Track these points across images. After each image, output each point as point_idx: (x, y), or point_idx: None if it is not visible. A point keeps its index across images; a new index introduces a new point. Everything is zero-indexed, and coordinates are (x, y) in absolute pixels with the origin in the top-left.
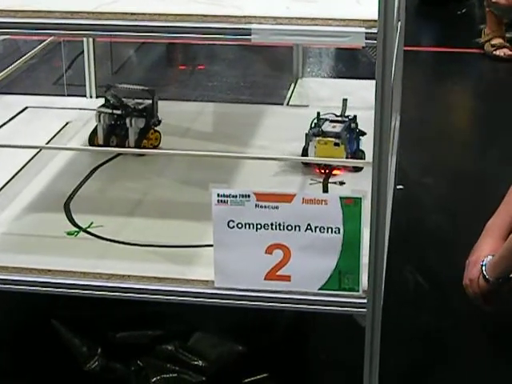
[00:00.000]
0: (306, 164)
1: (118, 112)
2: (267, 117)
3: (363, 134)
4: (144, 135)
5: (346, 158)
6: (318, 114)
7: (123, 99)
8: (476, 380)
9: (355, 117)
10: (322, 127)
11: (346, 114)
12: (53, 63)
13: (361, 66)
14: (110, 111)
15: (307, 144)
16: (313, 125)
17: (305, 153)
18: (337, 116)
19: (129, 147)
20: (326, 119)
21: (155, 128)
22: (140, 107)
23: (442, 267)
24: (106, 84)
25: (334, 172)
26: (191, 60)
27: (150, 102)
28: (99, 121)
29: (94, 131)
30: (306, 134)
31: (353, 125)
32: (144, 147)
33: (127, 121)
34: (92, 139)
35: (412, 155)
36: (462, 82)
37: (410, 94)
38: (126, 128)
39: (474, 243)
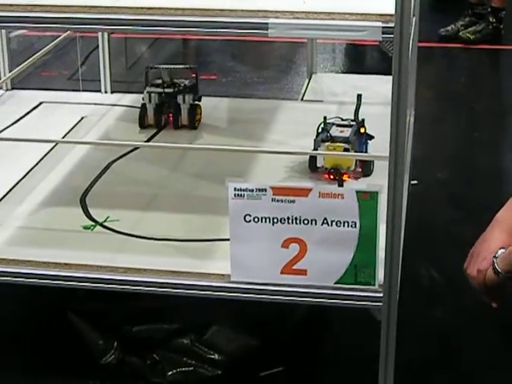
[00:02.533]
0: (314, 170)
1: (170, 90)
2: (282, 112)
3: (371, 137)
4: (195, 110)
5: (355, 163)
6: (325, 118)
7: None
8: (489, 375)
9: (363, 120)
10: (330, 132)
11: (361, 109)
12: (67, 59)
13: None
14: (161, 90)
15: (315, 149)
16: (319, 130)
17: (312, 158)
18: (343, 120)
19: (182, 123)
20: (333, 123)
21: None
22: (188, 84)
23: (457, 262)
24: (146, 65)
25: (344, 178)
26: (205, 56)
27: (189, 79)
28: (149, 101)
29: (143, 113)
30: (315, 140)
31: (362, 129)
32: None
33: (179, 98)
34: (142, 120)
35: (426, 151)
36: (476, 78)
37: (424, 89)
38: (174, 105)
39: None
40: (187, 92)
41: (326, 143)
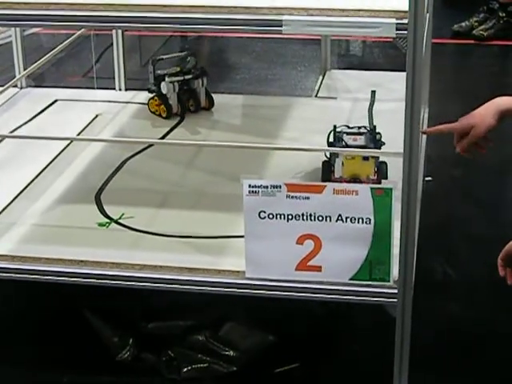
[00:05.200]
0: (326, 180)
1: (190, 76)
2: (296, 109)
3: (382, 144)
4: (209, 93)
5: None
6: (335, 127)
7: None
8: (506, 370)
9: (375, 127)
10: (346, 141)
11: (374, 106)
12: (81, 56)
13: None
14: (181, 78)
15: (333, 160)
16: (331, 139)
17: (326, 166)
18: (349, 128)
19: (201, 106)
20: (343, 132)
21: None
22: (201, 68)
23: (471, 258)
24: (153, 58)
25: None
26: (219, 53)
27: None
28: (173, 90)
29: (167, 103)
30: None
31: (377, 136)
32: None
33: (195, 82)
34: (169, 111)
35: (441, 147)
36: (489, 74)
37: (438, 86)
38: (193, 91)
39: (501, 234)
40: (203, 76)
41: (345, 153)
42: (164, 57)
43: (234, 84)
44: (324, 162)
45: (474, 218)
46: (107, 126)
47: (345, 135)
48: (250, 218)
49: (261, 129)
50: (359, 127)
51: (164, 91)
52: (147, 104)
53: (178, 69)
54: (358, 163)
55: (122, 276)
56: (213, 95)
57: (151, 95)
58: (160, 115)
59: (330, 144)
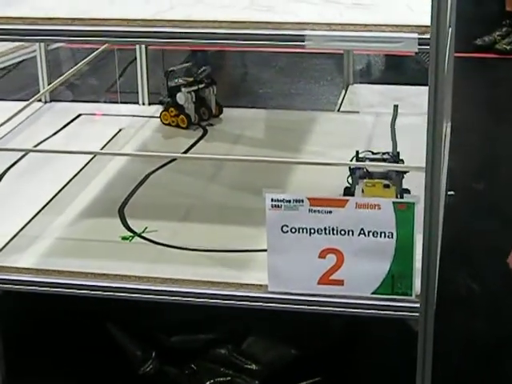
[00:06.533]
0: None
1: (202, 85)
2: (319, 123)
3: (405, 171)
4: (218, 101)
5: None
6: (357, 152)
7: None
8: None
9: (398, 154)
10: (367, 167)
11: (397, 120)
12: (105, 71)
13: None
14: (196, 87)
15: (353, 187)
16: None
17: (347, 192)
18: (374, 154)
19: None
20: (366, 158)
21: None
22: (210, 76)
23: (494, 273)
24: (165, 70)
25: None
26: (241, 67)
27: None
28: (192, 100)
29: (186, 113)
30: (352, 177)
31: (400, 163)
32: None
33: (206, 91)
34: (190, 121)
35: (463, 161)
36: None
37: (460, 100)
38: (204, 99)
39: None
40: (213, 84)
41: (365, 180)
42: (175, 68)
43: (257, 98)
44: (346, 189)
45: (497, 231)
46: (130, 140)
47: (368, 161)
48: (273, 232)
49: (283, 143)
50: (383, 153)
51: (181, 102)
52: (159, 117)
53: (192, 79)
54: (379, 191)
55: (145, 289)
56: (236, 109)
57: (163, 107)
58: (177, 126)
59: (351, 169)
